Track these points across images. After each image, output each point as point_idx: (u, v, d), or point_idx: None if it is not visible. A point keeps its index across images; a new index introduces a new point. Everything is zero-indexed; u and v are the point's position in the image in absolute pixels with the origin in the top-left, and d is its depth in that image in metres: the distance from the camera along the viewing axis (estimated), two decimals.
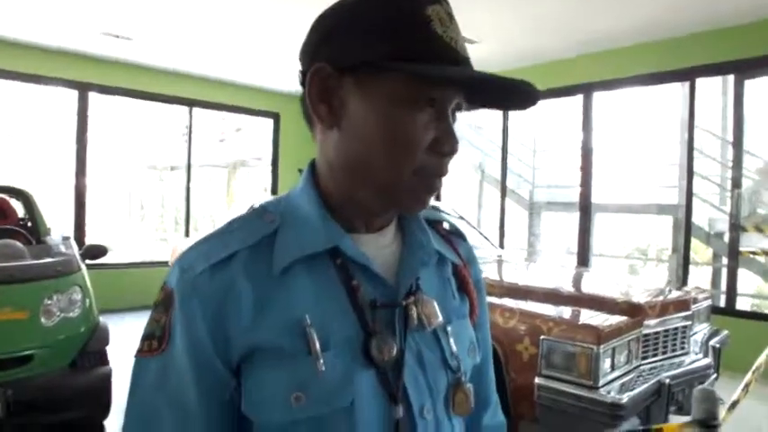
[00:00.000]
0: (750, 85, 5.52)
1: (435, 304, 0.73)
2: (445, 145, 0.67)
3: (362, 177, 0.69)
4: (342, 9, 0.69)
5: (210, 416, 0.65)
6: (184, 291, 0.65)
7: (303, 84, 0.70)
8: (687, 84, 5.84)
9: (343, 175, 0.71)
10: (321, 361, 0.63)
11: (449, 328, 0.76)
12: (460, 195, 9.63)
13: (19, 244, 3.74)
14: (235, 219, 0.73)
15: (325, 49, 0.68)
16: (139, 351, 0.68)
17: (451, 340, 0.75)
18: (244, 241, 0.68)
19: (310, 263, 0.68)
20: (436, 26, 0.64)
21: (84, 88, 7.03)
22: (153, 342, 0.67)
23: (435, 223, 0.87)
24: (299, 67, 0.73)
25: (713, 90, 7.27)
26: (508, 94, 0.69)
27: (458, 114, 0.71)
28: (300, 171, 0.79)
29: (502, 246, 6.97)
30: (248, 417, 0.65)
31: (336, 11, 0.69)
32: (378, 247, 0.74)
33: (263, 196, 8.69)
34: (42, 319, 3.15)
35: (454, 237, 0.89)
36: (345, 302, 0.68)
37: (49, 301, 3.23)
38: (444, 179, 0.72)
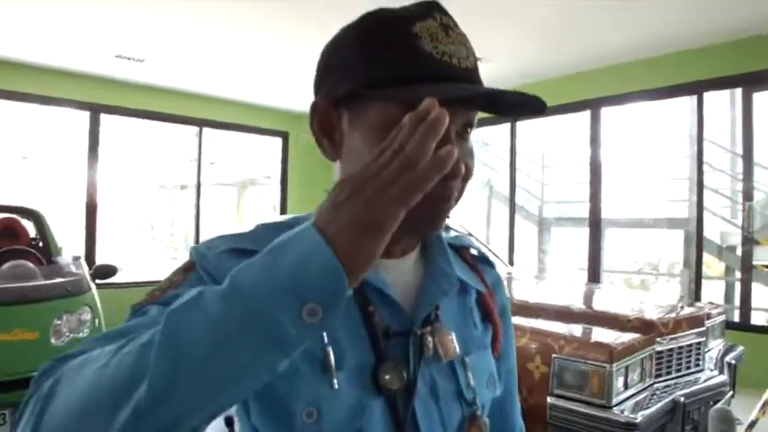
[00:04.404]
0: (759, 98, 5.50)
1: (453, 336, 0.71)
2: None
3: None
4: (336, 41, 0.69)
5: None
6: (205, 261, 0.64)
7: None
8: (695, 97, 5.83)
9: None
10: (335, 380, 0.62)
11: (467, 360, 0.74)
12: (469, 212, 9.61)
13: (30, 264, 3.76)
14: (264, 223, 0.73)
15: (324, 84, 0.69)
16: (138, 303, 0.61)
17: (469, 373, 0.74)
18: (269, 243, 0.67)
19: None
20: (424, 43, 0.62)
21: (95, 109, 7.10)
22: (156, 291, 0.63)
23: (461, 249, 0.85)
24: (307, 87, 0.74)
25: (721, 103, 7.25)
26: (510, 104, 0.66)
27: (471, 130, 0.68)
28: (327, 192, 0.79)
29: (511, 262, 6.93)
30: (258, 428, 0.64)
31: (332, 44, 0.70)
32: (398, 273, 0.73)
33: (272, 214, 8.71)
34: (52, 340, 3.16)
35: (481, 264, 0.87)
36: (360, 327, 0.67)
37: (59, 322, 3.24)
38: (460, 201, 0.69)
